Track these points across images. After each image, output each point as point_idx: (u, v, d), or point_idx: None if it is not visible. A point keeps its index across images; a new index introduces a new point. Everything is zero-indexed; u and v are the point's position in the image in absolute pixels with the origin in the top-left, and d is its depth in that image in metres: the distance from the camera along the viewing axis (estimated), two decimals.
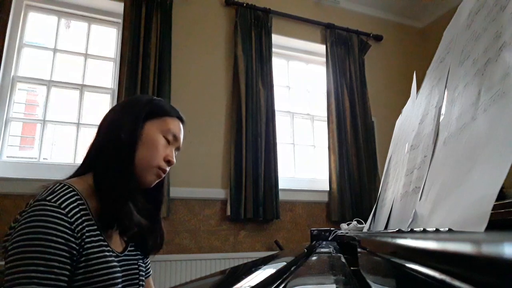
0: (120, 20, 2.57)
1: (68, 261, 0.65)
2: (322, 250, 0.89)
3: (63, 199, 0.69)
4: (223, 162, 2.62)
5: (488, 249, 0.13)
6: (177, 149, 0.93)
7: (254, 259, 0.68)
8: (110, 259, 0.73)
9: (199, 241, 2.44)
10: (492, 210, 0.26)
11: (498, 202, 0.29)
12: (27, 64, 2.44)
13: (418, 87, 0.77)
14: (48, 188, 0.71)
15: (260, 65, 2.82)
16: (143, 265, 0.89)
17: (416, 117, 0.69)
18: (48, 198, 0.67)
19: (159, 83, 2.45)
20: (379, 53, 3.48)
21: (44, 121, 2.39)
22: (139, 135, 0.82)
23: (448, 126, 0.45)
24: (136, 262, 0.85)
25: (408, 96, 0.89)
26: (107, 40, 2.73)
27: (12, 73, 2.34)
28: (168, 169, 0.89)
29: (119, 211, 0.75)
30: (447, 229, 0.33)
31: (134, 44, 2.43)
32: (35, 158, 2.34)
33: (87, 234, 0.70)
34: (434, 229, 0.35)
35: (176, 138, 0.90)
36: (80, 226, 0.69)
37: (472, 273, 0.13)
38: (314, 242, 1.27)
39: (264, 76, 2.81)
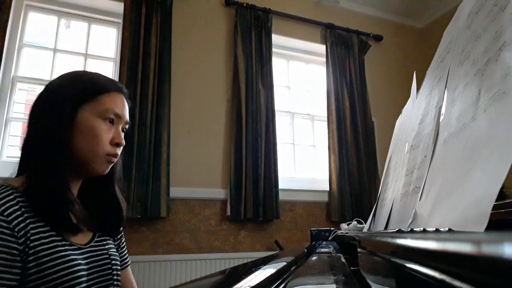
0: (120, 20, 2.57)
1: (9, 262, 0.62)
2: (322, 250, 0.90)
3: (2, 202, 0.65)
4: (223, 162, 2.62)
5: (488, 249, 0.13)
6: (126, 124, 0.83)
7: (254, 259, 0.68)
8: (66, 253, 0.69)
9: (199, 241, 2.44)
10: (492, 210, 0.26)
11: (498, 202, 0.29)
12: (27, 64, 2.44)
13: (418, 87, 0.77)
14: None
15: (260, 65, 2.82)
16: (116, 254, 0.83)
17: (416, 117, 0.69)
18: None
19: (159, 83, 2.45)
20: (379, 53, 3.48)
21: None
22: (72, 125, 0.74)
23: (448, 126, 0.45)
24: (106, 252, 0.80)
25: (408, 96, 0.89)
26: (107, 40, 2.73)
27: (12, 73, 2.34)
28: (119, 151, 0.81)
29: (54, 212, 0.70)
30: (447, 229, 0.33)
31: (134, 44, 2.43)
32: None
33: (32, 231, 0.66)
34: (434, 229, 0.35)
35: (119, 115, 0.80)
36: (22, 224, 0.65)
37: (472, 273, 0.13)
38: (314, 242, 1.27)
39: (264, 76, 2.81)
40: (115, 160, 0.80)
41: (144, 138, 2.31)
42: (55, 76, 0.84)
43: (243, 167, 2.54)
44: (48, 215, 0.69)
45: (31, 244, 0.65)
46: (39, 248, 0.66)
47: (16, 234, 0.64)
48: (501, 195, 0.28)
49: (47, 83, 0.82)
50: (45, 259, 0.66)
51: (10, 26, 2.33)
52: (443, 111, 0.51)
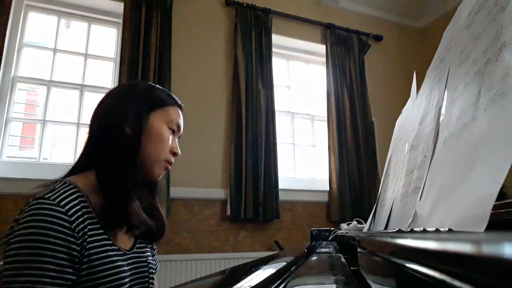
0: (120, 20, 2.57)
1: (67, 263, 0.62)
2: (322, 250, 0.89)
3: (63, 196, 0.65)
4: (223, 162, 2.62)
5: (488, 249, 0.13)
6: (179, 137, 0.89)
7: (254, 259, 0.68)
8: (115, 258, 0.70)
9: (199, 241, 2.44)
10: (492, 210, 0.26)
11: (498, 202, 0.29)
12: (27, 64, 2.44)
13: (418, 87, 0.77)
14: (48, 186, 0.69)
15: (260, 65, 2.82)
16: (153, 262, 0.85)
17: (416, 117, 0.69)
18: (46, 196, 0.64)
19: (159, 83, 2.44)
20: (379, 53, 3.48)
21: (44, 121, 2.39)
22: (145, 128, 0.78)
23: (448, 126, 0.45)
24: (145, 259, 0.82)
25: (408, 96, 0.89)
26: (107, 40, 2.73)
27: (12, 73, 2.34)
28: (173, 160, 0.86)
29: (125, 210, 0.71)
30: (447, 229, 0.33)
31: (134, 44, 2.43)
32: (35, 158, 2.34)
33: (89, 233, 0.67)
34: (434, 229, 0.35)
35: (179, 127, 0.86)
36: (82, 225, 0.66)
37: (472, 273, 0.13)
38: (314, 242, 1.27)
39: (264, 76, 2.81)
40: (169, 168, 0.84)
41: None
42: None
43: (243, 167, 2.54)
44: (116, 214, 0.70)
45: (87, 246, 0.66)
46: (93, 250, 0.67)
47: (76, 234, 0.64)
48: (501, 195, 0.28)
49: (113, 88, 0.86)
50: (96, 262, 0.67)
51: (10, 26, 2.33)
52: (443, 111, 0.51)
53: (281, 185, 2.68)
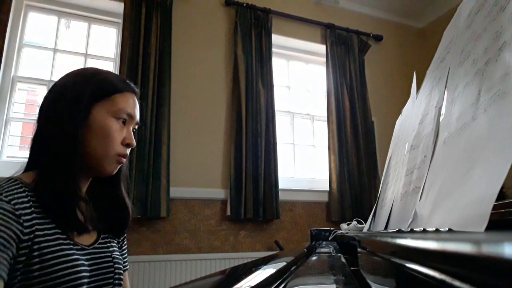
0: (120, 20, 2.57)
1: (8, 244, 0.61)
2: (322, 250, 0.89)
3: (10, 193, 0.64)
4: (223, 162, 2.62)
5: (488, 249, 0.13)
6: (136, 125, 0.83)
7: (254, 259, 0.68)
8: (69, 252, 0.68)
9: (199, 241, 2.44)
10: (492, 210, 0.26)
11: (498, 202, 0.29)
12: (27, 64, 2.44)
13: (418, 87, 0.77)
14: None
15: (260, 65, 2.82)
16: (119, 257, 0.82)
17: (416, 117, 0.69)
18: None
19: (159, 83, 2.45)
20: (379, 53, 3.48)
21: None
22: (86, 123, 0.73)
23: (448, 126, 0.45)
24: (110, 254, 0.78)
25: (408, 96, 0.89)
26: (107, 40, 2.73)
27: (12, 73, 2.34)
28: (128, 152, 0.80)
29: (65, 212, 0.69)
30: (447, 229, 0.33)
31: (134, 44, 2.43)
32: None
33: (39, 227, 0.65)
34: (434, 229, 0.35)
35: (131, 115, 0.79)
36: (29, 217, 0.64)
37: (472, 273, 0.13)
38: (314, 242, 1.27)
39: (264, 76, 2.81)
40: (125, 160, 0.80)
41: (144, 138, 2.31)
42: (55, 76, 0.83)
43: (243, 167, 2.54)
44: (56, 213, 0.69)
45: (36, 240, 0.64)
46: (44, 244, 0.65)
47: (21, 222, 0.63)
48: (501, 195, 0.28)
49: (58, 79, 0.80)
50: (49, 256, 0.65)
51: (10, 26, 2.33)
52: (443, 111, 0.51)
53: (281, 185, 2.68)
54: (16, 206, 0.64)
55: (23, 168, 0.77)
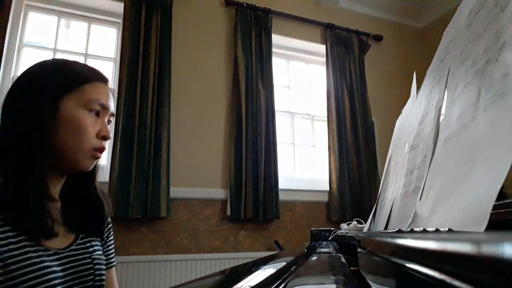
0: (120, 20, 2.57)
1: None
2: (322, 250, 0.89)
3: None
4: (223, 162, 2.62)
5: (488, 249, 0.13)
6: (111, 116, 0.77)
7: (254, 259, 0.68)
8: (38, 260, 0.63)
9: (199, 241, 2.44)
10: (492, 210, 0.26)
11: (498, 202, 0.29)
12: (27, 64, 2.43)
13: (418, 87, 0.77)
14: None
15: (260, 65, 2.82)
16: (101, 257, 0.77)
17: (416, 117, 0.69)
18: None
19: (159, 83, 2.45)
20: (379, 53, 3.48)
21: None
22: (54, 117, 0.67)
23: (448, 126, 0.45)
24: (89, 255, 0.73)
25: (408, 96, 0.89)
26: (107, 40, 2.73)
27: (12, 73, 2.34)
28: (105, 145, 0.74)
29: (28, 218, 0.63)
30: (447, 229, 0.33)
31: (134, 44, 2.44)
32: None
33: (1, 236, 0.60)
34: (434, 229, 0.35)
35: (104, 106, 0.74)
36: None
37: (472, 273, 0.13)
38: (314, 242, 1.27)
39: (264, 76, 2.81)
40: (101, 155, 0.74)
41: (144, 138, 2.31)
42: None
43: (243, 167, 2.54)
44: (19, 219, 0.62)
45: (0, 251, 0.59)
46: (7, 254, 0.60)
47: None
48: (501, 195, 0.28)
49: (22, 71, 0.75)
50: (13, 266, 0.60)
51: (10, 26, 2.33)
52: (443, 111, 0.51)
53: (281, 185, 2.68)
54: None
55: None
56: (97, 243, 0.79)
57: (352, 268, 0.56)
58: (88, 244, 0.76)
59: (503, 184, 0.26)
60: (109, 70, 2.68)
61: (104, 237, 0.84)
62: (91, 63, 2.64)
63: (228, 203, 2.50)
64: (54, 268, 0.65)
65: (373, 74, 3.36)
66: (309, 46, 3.25)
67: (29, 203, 0.63)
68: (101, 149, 0.73)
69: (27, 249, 0.62)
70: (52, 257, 0.66)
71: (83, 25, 2.68)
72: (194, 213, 2.48)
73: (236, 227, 2.56)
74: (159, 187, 2.29)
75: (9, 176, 0.64)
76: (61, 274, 0.66)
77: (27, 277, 0.60)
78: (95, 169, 0.79)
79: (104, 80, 0.78)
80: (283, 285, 0.40)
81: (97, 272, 0.74)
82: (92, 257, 0.74)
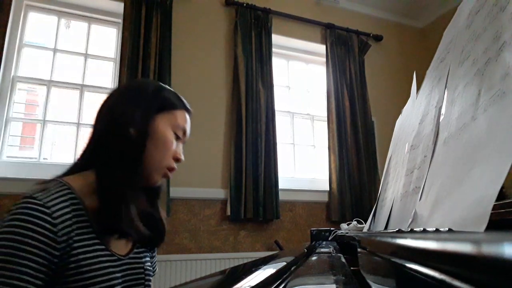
0: (120, 20, 2.57)
1: (42, 268, 0.59)
2: (322, 250, 0.89)
3: (52, 197, 0.63)
4: (223, 162, 2.62)
5: (488, 249, 0.13)
6: (184, 143, 0.86)
7: (254, 259, 0.68)
8: (106, 264, 0.67)
9: (199, 241, 2.44)
10: (492, 210, 0.26)
11: (498, 202, 0.29)
12: (27, 64, 2.44)
13: (418, 87, 0.77)
14: (42, 185, 0.66)
15: (260, 65, 2.82)
16: (150, 268, 0.82)
17: (416, 117, 0.69)
18: (35, 196, 0.62)
19: None
20: (379, 53, 3.48)
21: (44, 121, 2.39)
22: (149, 131, 0.74)
23: (448, 126, 0.45)
24: (142, 265, 0.78)
25: (408, 96, 0.89)
26: (107, 40, 2.73)
27: (12, 73, 2.34)
28: (176, 167, 0.81)
29: (118, 215, 0.67)
30: (447, 229, 0.33)
31: (134, 44, 2.43)
32: (35, 158, 2.34)
33: (77, 237, 0.64)
34: (434, 229, 0.35)
35: (185, 133, 0.84)
36: (68, 229, 0.63)
37: (472, 273, 0.13)
38: (314, 242, 1.27)
39: (264, 76, 2.81)
40: (170, 176, 0.80)
41: None
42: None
43: (243, 167, 2.54)
44: (109, 221, 0.67)
45: (73, 252, 0.63)
46: (82, 256, 0.64)
47: (58, 238, 0.61)
48: (501, 195, 0.28)
49: (117, 87, 0.81)
50: (86, 268, 0.64)
51: (10, 26, 2.33)
52: (443, 111, 0.51)
53: (281, 185, 2.68)
54: (56, 221, 0.62)
55: (64, 170, 0.75)
56: (147, 254, 0.83)
57: (352, 268, 0.56)
58: (142, 255, 0.80)
59: (503, 184, 0.26)
60: (109, 70, 2.68)
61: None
62: (91, 63, 2.64)
63: (228, 203, 2.50)
64: (116, 274, 0.70)
65: (373, 74, 3.36)
66: (309, 46, 3.25)
67: (116, 206, 0.68)
68: (172, 170, 0.80)
69: (99, 253, 0.67)
70: (115, 263, 0.70)
71: (83, 25, 2.68)
72: (194, 213, 2.47)
73: (236, 227, 2.56)
74: None
75: (109, 172, 0.69)
76: (120, 280, 0.71)
77: (95, 280, 0.65)
78: (160, 188, 0.85)
79: (189, 111, 0.88)
80: (283, 285, 0.40)
81: (147, 283, 0.79)
82: (144, 267, 0.79)
